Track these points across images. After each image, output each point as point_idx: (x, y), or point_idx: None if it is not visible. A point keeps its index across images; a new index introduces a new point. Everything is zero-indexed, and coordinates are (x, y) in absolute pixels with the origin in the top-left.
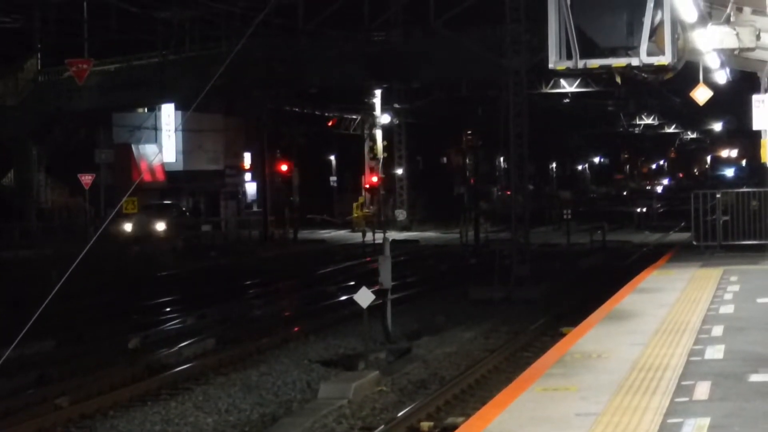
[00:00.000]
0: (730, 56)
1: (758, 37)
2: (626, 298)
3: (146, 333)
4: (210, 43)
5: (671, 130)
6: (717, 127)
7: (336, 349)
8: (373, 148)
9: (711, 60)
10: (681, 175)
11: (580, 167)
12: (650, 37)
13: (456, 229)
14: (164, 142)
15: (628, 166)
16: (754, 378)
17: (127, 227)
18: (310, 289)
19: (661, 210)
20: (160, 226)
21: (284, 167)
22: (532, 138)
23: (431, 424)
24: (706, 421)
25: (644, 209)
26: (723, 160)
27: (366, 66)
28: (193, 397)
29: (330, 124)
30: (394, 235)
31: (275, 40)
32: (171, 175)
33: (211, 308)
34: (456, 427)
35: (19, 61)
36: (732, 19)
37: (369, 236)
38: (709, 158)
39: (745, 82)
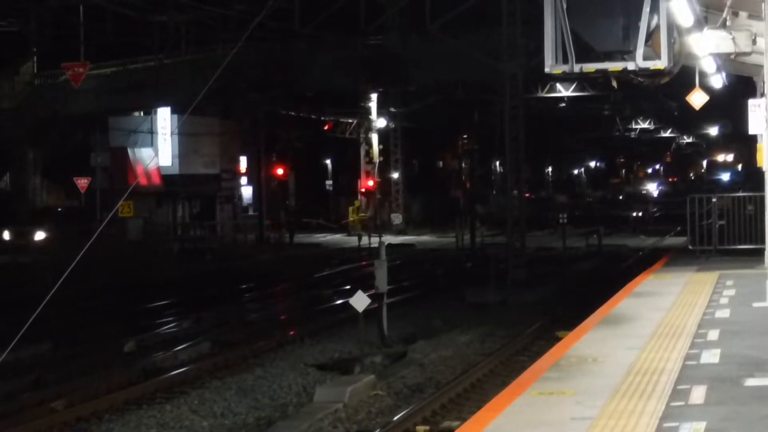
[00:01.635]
0: (726, 61)
1: (754, 42)
2: (622, 302)
3: (142, 336)
4: (206, 47)
5: (667, 134)
6: (713, 131)
7: (332, 353)
8: (369, 152)
9: (707, 64)
10: (672, 179)
11: (576, 171)
12: (646, 41)
13: (452, 233)
14: (160, 146)
15: (624, 170)
16: (750, 382)
17: (6, 235)
18: (305, 293)
19: (657, 214)
20: (39, 236)
21: (280, 171)
22: (528, 142)
23: (427, 428)
24: (701, 426)
25: (640, 213)
26: (719, 164)
27: (362, 70)
28: (189, 400)
29: (326, 127)
30: (390, 239)
31: (271, 44)
32: (167, 178)
33: (206, 312)
34: (452, 431)
35: (15, 64)
36: (728, 23)
37: (365, 240)
38: (705, 162)
39: (741, 87)
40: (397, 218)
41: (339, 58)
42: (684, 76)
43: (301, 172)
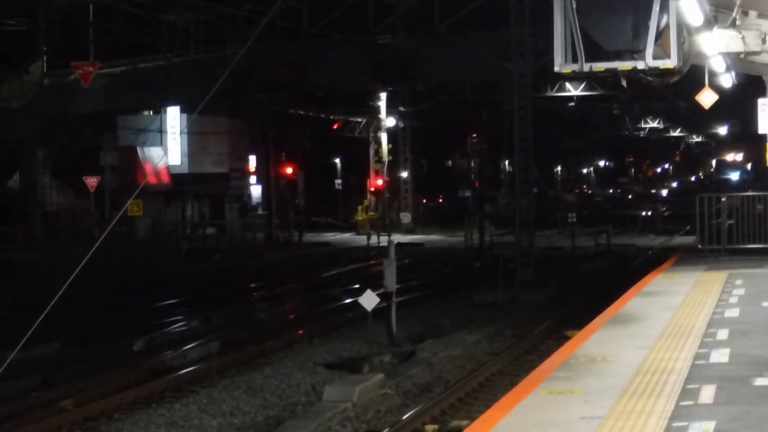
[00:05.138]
0: (735, 60)
1: (764, 41)
2: (631, 302)
3: (151, 336)
4: (215, 46)
5: (676, 133)
6: (722, 130)
7: (340, 352)
8: (378, 151)
9: (716, 63)
10: (675, 184)
11: (585, 171)
12: (656, 40)
13: (461, 233)
14: (169, 145)
15: (633, 170)
16: (760, 382)
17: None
18: (314, 292)
19: (666, 213)
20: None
21: (289, 170)
22: (537, 141)
23: (436, 427)
24: (711, 425)
25: (649, 213)
26: (728, 163)
27: (371, 69)
28: (198, 399)
29: (335, 126)
30: (398, 238)
31: (280, 43)
32: (176, 177)
33: (215, 311)
34: (460, 430)
35: (24, 63)
36: (738, 22)
37: (374, 239)
38: (714, 162)
39: (750, 86)
40: (406, 217)
41: (348, 58)
42: (693, 75)
43: (310, 171)
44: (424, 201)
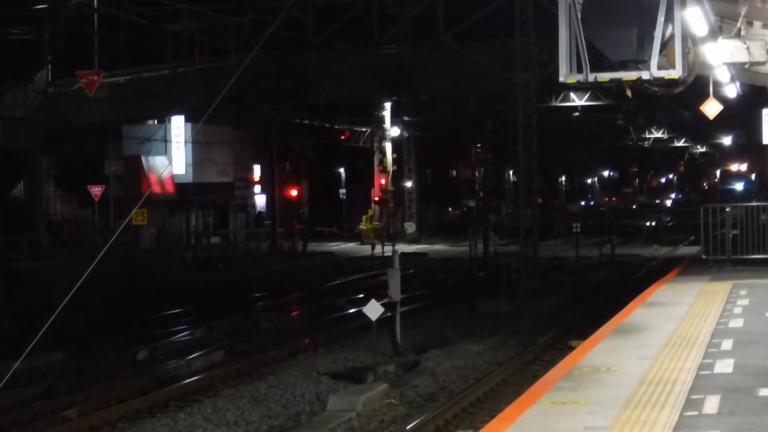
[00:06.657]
0: (740, 70)
1: None
2: (635, 312)
3: (155, 345)
4: (219, 56)
5: (681, 143)
6: (727, 141)
7: (345, 362)
8: (382, 161)
9: (721, 74)
10: (674, 195)
11: (589, 181)
12: (661, 50)
13: (465, 242)
14: (174, 154)
15: (637, 180)
16: (764, 392)
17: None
18: (319, 302)
19: (671, 223)
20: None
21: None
22: (541, 151)
23: None
24: None
25: (653, 223)
26: (732, 174)
27: (375, 79)
28: (202, 409)
29: (343, 137)
30: (403, 247)
31: (284, 53)
32: (181, 187)
33: (219, 320)
34: None
35: (28, 72)
36: (742, 33)
37: (378, 249)
38: (718, 172)
39: (755, 97)
40: (410, 227)
41: (352, 68)
42: (698, 85)
43: (315, 181)
44: (450, 210)
